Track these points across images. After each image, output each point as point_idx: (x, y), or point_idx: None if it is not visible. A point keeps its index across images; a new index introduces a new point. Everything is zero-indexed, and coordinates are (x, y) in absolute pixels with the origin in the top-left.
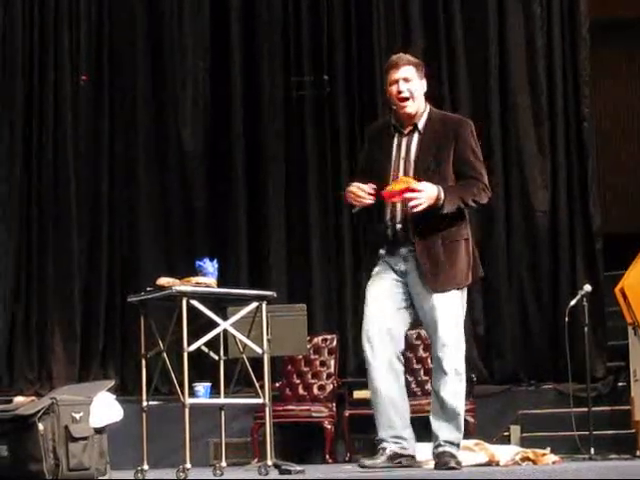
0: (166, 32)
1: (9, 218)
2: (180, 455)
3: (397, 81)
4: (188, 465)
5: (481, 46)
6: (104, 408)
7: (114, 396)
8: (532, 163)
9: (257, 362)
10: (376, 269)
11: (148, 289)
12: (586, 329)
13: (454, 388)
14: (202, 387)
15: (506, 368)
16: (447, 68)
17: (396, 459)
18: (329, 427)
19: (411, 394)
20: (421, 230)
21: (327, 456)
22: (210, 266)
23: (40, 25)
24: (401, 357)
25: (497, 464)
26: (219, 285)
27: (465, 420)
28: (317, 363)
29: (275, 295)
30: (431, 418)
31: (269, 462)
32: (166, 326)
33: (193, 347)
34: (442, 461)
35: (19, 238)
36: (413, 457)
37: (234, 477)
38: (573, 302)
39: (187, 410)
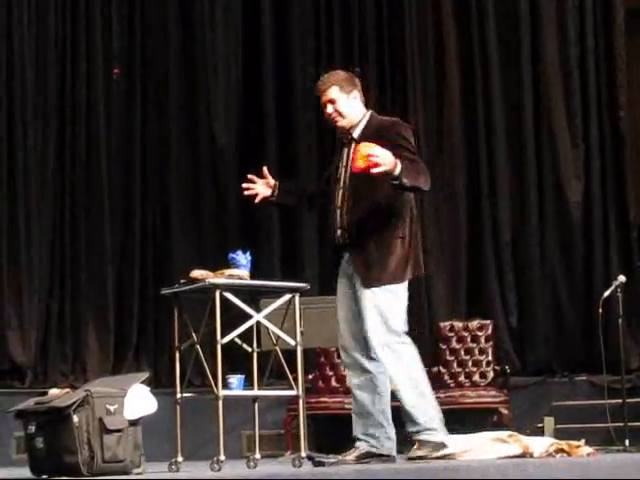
0: (198, 24)
1: (42, 211)
2: (213, 447)
3: (325, 105)
4: (222, 457)
5: (514, 37)
6: (138, 400)
7: (148, 388)
8: (565, 153)
9: (290, 354)
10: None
11: (181, 282)
12: (620, 320)
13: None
14: (235, 379)
15: (540, 360)
16: (479, 61)
17: (366, 457)
18: None
19: (444, 386)
20: (357, 232)
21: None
22: (243, 258)
23: (72, 18)
24: (374, 356)
25: (531, 456)
26: (252, 277)
27: (499, 412)
28: None
29: (308, 287)
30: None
31: (303, 454)
32: (199, 318)
33: (226, 339)
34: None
35: (52, 231)
36: (390, 456)
37: (268, 469)
38: (607, 293)
39: (220, 402)
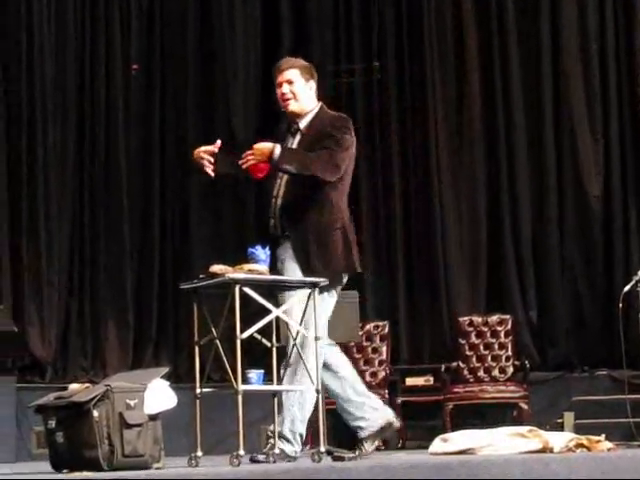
0: (216, 20)
1: (62, 208)
2: (233, 442)
3: (281, 84)
4: (241, 452)
5: (533, 32)
6: (158, 395)
7: (168, 383)
8: (585, 148)
9: None
10: None
11: (200, 277)
12: None
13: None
14: (255, 374)
15: (559, 355)
16: (499, 56)
17: (375, 439)
18: None
19: (463, 381)
20: (293, 223)
21: (380, 443)
22: (262, 253)
23: (91, 15)
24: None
25: (551, 451)
26: (271, 272)
27: (518, 407)
28: (369, 350)
29: (327, 282)
30: None
31: (322, 448)
32: (218, 313)
33: (246, 334)
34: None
35: (72, 228)
36: (390, 424)
37: (287, 463)
38: (627, 288)
39: (240, 397)
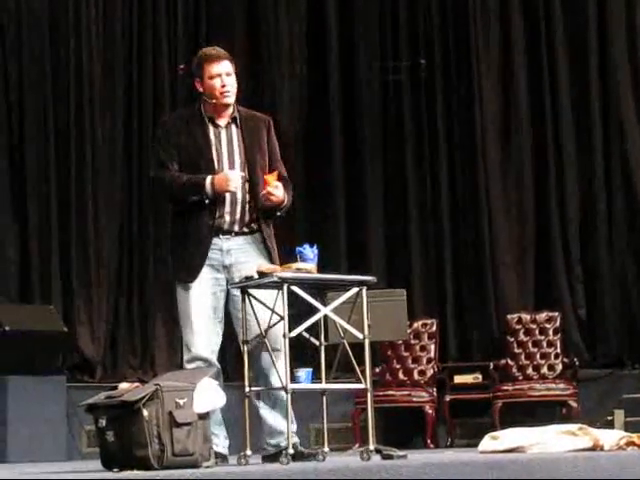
0: (262, 18)
1: (111, 208)
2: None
3: (220, 75)
4: (290, 450)
5: (581, 29)
6: (207, 394)
7: (217, 382)
8: (634, 144)
9: (357, 347)
10: None
11: (249, 275)
12: None
13: None
14: (303, 373)
15: (609, 352)
16: (546, 51)
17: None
18: (430, 412)
19: (512, 378)
20: (253, 220)
21: (428, 441)
22: (310, 252)
23: (139, 15)
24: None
25: (601, 449)
26: (319, 271)
27: (568, 404)
28: (417, 348)
29: (375, 280)
30: None
31: (371, 447)
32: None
33: (294, 333)
34: None
35: (120, 226)
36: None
37: (337, 462)
38: None
39: (289, 396)
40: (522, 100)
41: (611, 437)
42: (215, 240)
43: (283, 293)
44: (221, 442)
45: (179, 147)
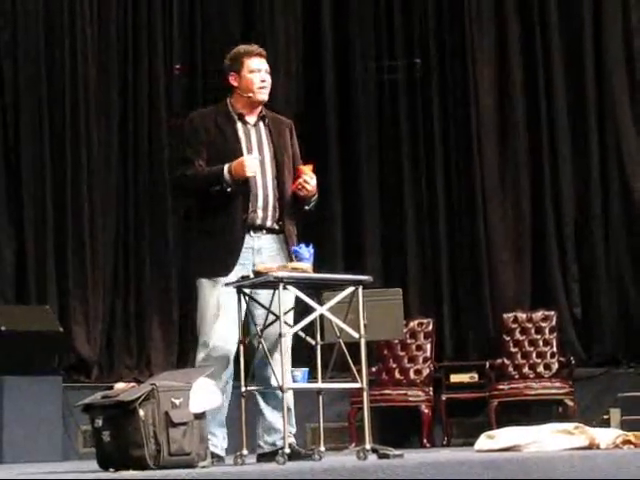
0: (258, 18)
1: (107, 210)
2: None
3: (260, 70)
4: (287, 450)
5: (576, 27)
6: (203, 394)
7: (213, 382)
8: (629, 142)
9: (353, 347)
10: None
11: (244, 275)
12: None
13: None
14: (300, 372)
15: (605, 351)
16: (541, 53)
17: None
18: (426, 411)
19: (508, 377)
20: (285, 217)
21: (424, 440)
22: (306, 251)
23: (133, 15)
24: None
25: (598, 447)
26: (315, 270)
27: (564, 403)
28: (413, 347)
29: (371, 279)
30: None
31: (367, 446)
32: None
33: (290, 332)
34: None
35: (116, 228)
36: (220, 457)
37: (333, 462)
38: None
39: (285, 395)
40: (518, 101)
41: (607, 436)
42: (247, 238)
43: (279, 293)
44: (219, 443)
45: (208, 144)
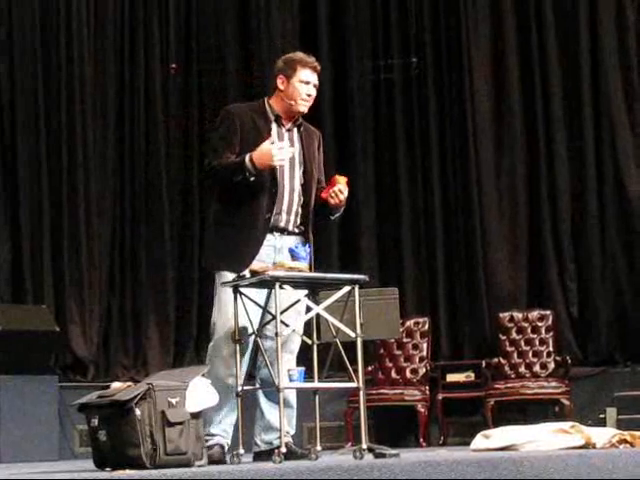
0: (254, 19)
1: (103, 209)
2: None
3: (309, 83)
4: (283, 449)
5: (572, 27)
6: (200, 393)
7: (209, 381)
8: (625, 141)
9: (350, 346)
10: None
11: (241, 274)
12: None
13: None
14: (296, 371)
15: (601, 350)
16: (537, 52)
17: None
18: (422, 410)
19: (504, 377)
20: (308, 220)
21: (421, 439)
22: (302, 251)
23: (130, 17)
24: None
25: (594, 447)
26: (311, 270)
27: (560, 402)
28: (409, 346)
29: (367, 279)
30: None
31: (363, 446)
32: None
33: (287, 331)
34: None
35: (112, 227)
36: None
37: (329, 461)
38: None
39: (282, 394)
40: (514, 99)
41: (603, 435)
42: (269, 237)
43: (275, 292)
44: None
45: (241, 138)
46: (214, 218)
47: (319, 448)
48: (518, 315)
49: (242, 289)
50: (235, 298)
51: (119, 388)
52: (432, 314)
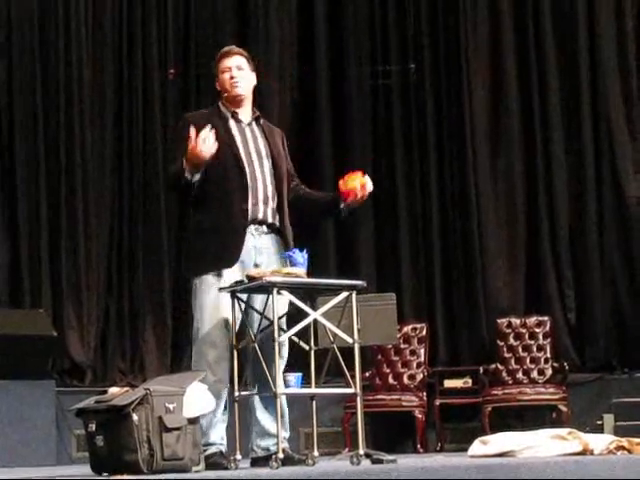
0: (252, 23)
1: (100, 210)
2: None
3: (230, 68)
4: (281, 455)
5: (571, 31)
6: (197, 398)
7: (206, 386)
8: (623, 147)
9: (347, 352)
10: None
11: (238, 280)
12: None
13: None
14: (293, 377)
15: (599, 356)
16: (535, 55)
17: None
18: (420, 416)
19: (501, 383)
20: (283, 216)
21: (418, 445)
22: (300, 256)
23: (128, 19)
24: None
25: (591, 453)
26: (309, 275)
27: (557, 409)
28: (407, 352)
29: (365, 285)
30: None
31: (361, 451)
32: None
33: (284, 337)
34: None
35: (110, 230)
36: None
37: (326, 467)
38: None
39: (278, 400)
40: (512, 104)
41: (601, 441)
42: (249, 237)
43: (272, 297)
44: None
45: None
46: (192, 225)
47: (316, 454)
48: (516, 321)
49: (219, 295)
50: (233, 304)
51: (116, 393)
52: (430, 320)
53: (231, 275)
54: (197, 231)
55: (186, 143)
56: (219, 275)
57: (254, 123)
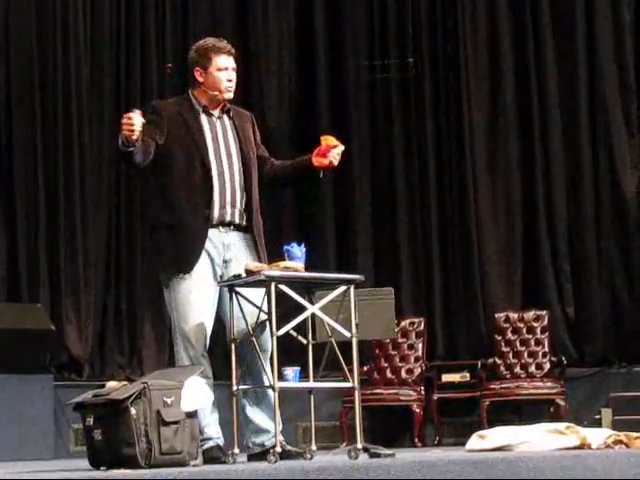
0: (250, 19)
1: (98, 206)
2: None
3: (227, 69)
4: (278, 449)
5: (568, 29)
6: (195, 392)
7: (204, 380)
8: (621, 144)
9: (345, 346)
10: None
11: (236, 274)
12: None
13: None
14: (291, 371)
15: (597, 350)
16: (533, 51)
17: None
18: (417, 410)
19: (499, 377)
20: (253, 213)
21: (416, 440)
22: (298, 250)
23: (126, 15)
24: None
25: (589, 447)
26: (307, 269)
27: (555, 403)
28: (405, 346)
29: (363, 279)
30: None
31: (358, 445)
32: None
33: (282, 331)
34: None
35: (108, 225)
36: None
37: (324, 461)
38: None
39: (277, 394)
40: (510, 99)
41: (599, 436)
42: (217, 234)
43: (270, 292)
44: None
45: (168, 131)
46: (153, 219)
47: (314, 448)
48: (514, 315)
49: (188, 294)
50: (230, 298)
51: (114, 387)
52: (428, 314)
53: (201, 275)
54: (161, 228)
55: (153, 127)
56: (185, 279)
57: (225, 116)
